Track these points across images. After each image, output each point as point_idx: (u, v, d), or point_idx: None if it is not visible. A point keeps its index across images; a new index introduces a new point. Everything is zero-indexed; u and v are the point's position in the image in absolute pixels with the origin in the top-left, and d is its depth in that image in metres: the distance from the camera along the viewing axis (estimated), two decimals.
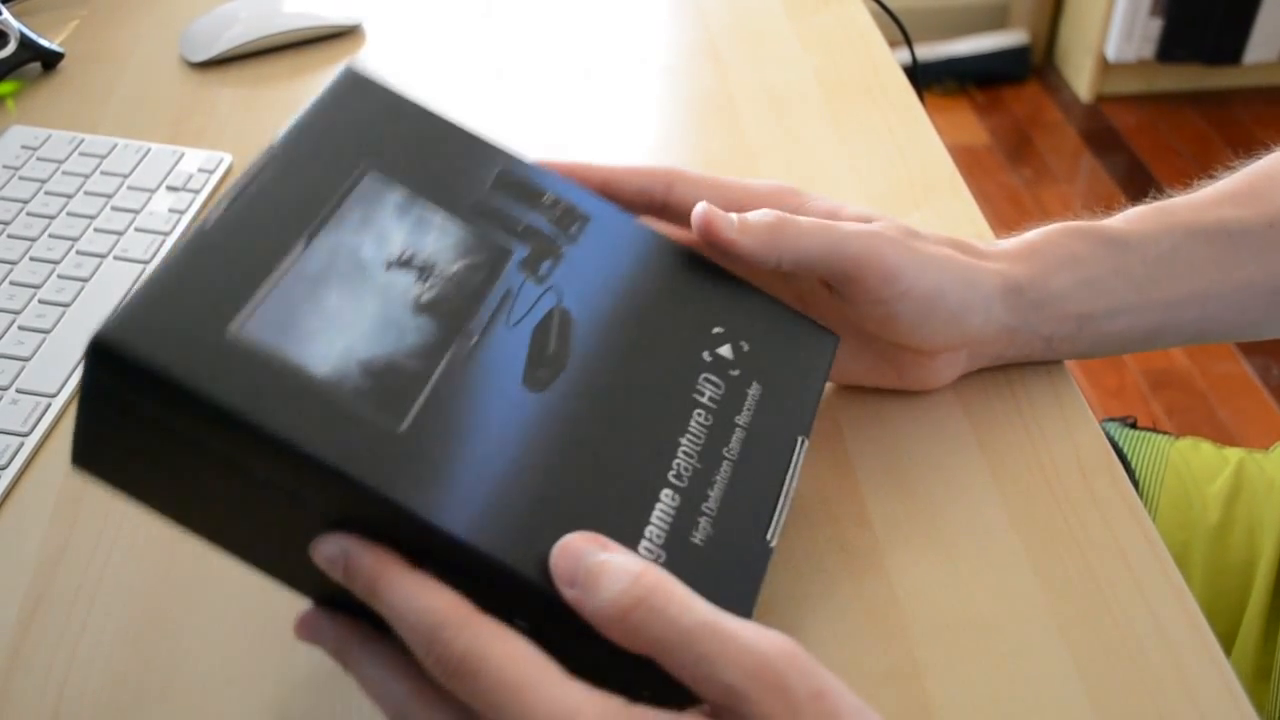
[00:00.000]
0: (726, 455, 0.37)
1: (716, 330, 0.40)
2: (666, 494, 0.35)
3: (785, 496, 0.37)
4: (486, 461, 0.33)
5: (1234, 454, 0.67)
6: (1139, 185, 1.99)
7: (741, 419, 0.38)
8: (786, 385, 0.40)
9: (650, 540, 0.33)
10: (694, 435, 0.37)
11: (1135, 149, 2.08)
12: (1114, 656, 0.39)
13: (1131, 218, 0.47)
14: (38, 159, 0.68)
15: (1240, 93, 2.19)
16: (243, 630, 0.43)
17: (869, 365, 0.47)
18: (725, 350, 0.39)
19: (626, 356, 0.37)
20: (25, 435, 0.51)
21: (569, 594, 0.30)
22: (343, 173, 0.36)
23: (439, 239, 0.36)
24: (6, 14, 0.77)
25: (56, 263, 0.60)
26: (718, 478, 0.36)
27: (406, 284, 0.35)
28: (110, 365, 0.30)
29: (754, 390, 0.39)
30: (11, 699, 0.41)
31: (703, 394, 0.38)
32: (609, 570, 0.30)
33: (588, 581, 0.30)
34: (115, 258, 0.61)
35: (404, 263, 0.35)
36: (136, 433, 0.32)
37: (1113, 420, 0.72)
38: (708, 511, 0.35)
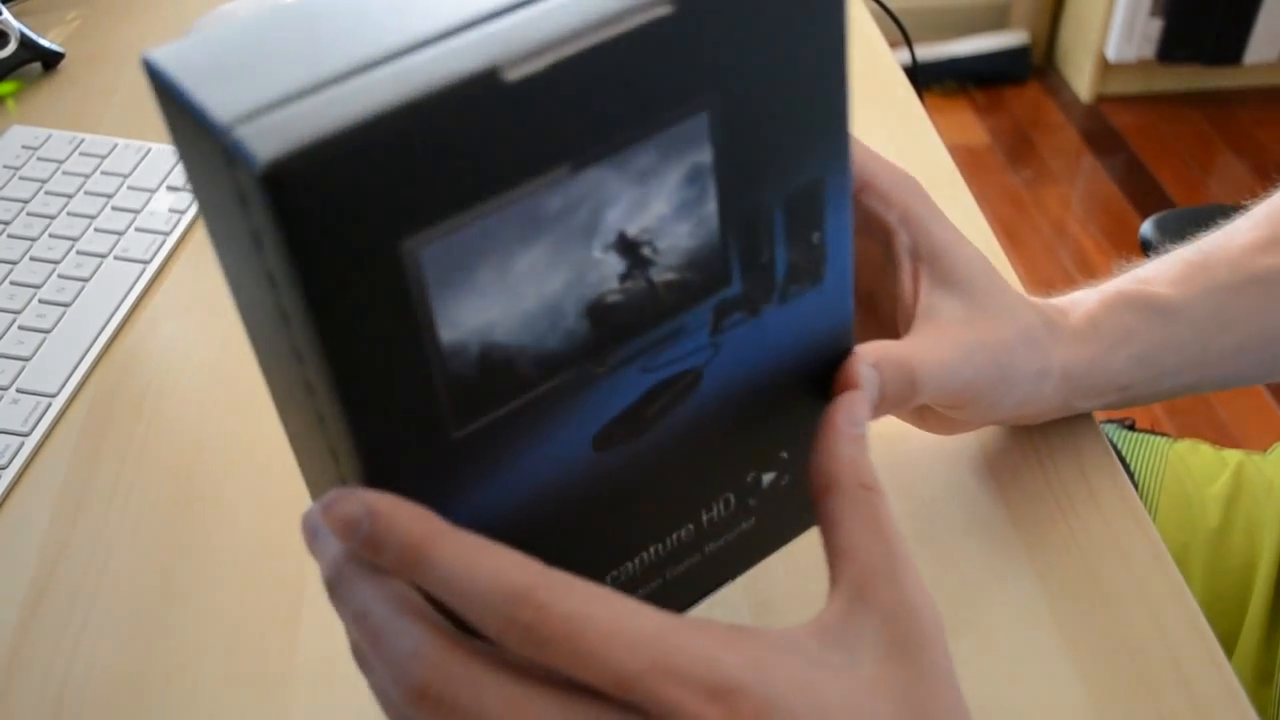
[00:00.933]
0: (666, 575, 0.34)
1: (782, 455, 0.35)
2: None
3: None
4: (491, 505, 0.28)
5: (1233, 456, 0.66)
6: (1139, 185, 1.99)
7: (711, 545, 0.35)
8: (781, 529, 0.36)
9: None
10: (665, 543, 0.33)
11: (1135, 149, 2.08)
12: (1114, 656, 0.39)
13: (1174, 278, 0.46)
14: (38, 159, 0.68)
15: (1240, 93, 2.19)
16: (243, 630, 0.43)
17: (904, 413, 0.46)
18: (768, 478, 0.35)
19: (695, 447, 0.32)
20: (25, 435, 0.51)
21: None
22: (686, 92, 0.26)
23: (686, 235, 0.28)
24: (7, 14, 0.77)
25: (57, 263, 0.60)
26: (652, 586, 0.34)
27: (609, 273, 0.27)
28: (280, 200, 0.22)
29: (746, 525, 0.35)
30: (11, 699, 0.41)
31: (710, 510, 0.34)
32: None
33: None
34: (116, 258, 0.61)
35: (631, 246, 0.27)
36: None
37: (1111, 422, 0.72)
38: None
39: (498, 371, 0.26)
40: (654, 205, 0.27)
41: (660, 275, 0.28)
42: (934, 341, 0.39)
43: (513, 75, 0.22)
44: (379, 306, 0.24)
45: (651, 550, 0.33)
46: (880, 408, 0.37)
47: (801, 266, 0.30)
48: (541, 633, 0.25)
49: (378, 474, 0.26)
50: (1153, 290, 0.45)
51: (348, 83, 0.22)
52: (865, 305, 0.44)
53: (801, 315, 0.31)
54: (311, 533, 0.28)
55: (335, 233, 0.22)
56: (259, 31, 0.24)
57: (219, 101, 0.22)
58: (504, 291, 0.26)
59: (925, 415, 0.45)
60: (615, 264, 0.27)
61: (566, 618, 0.25)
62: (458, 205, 0.23)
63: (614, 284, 0.27)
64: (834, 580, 0.30)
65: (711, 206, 0.28)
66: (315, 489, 0.31)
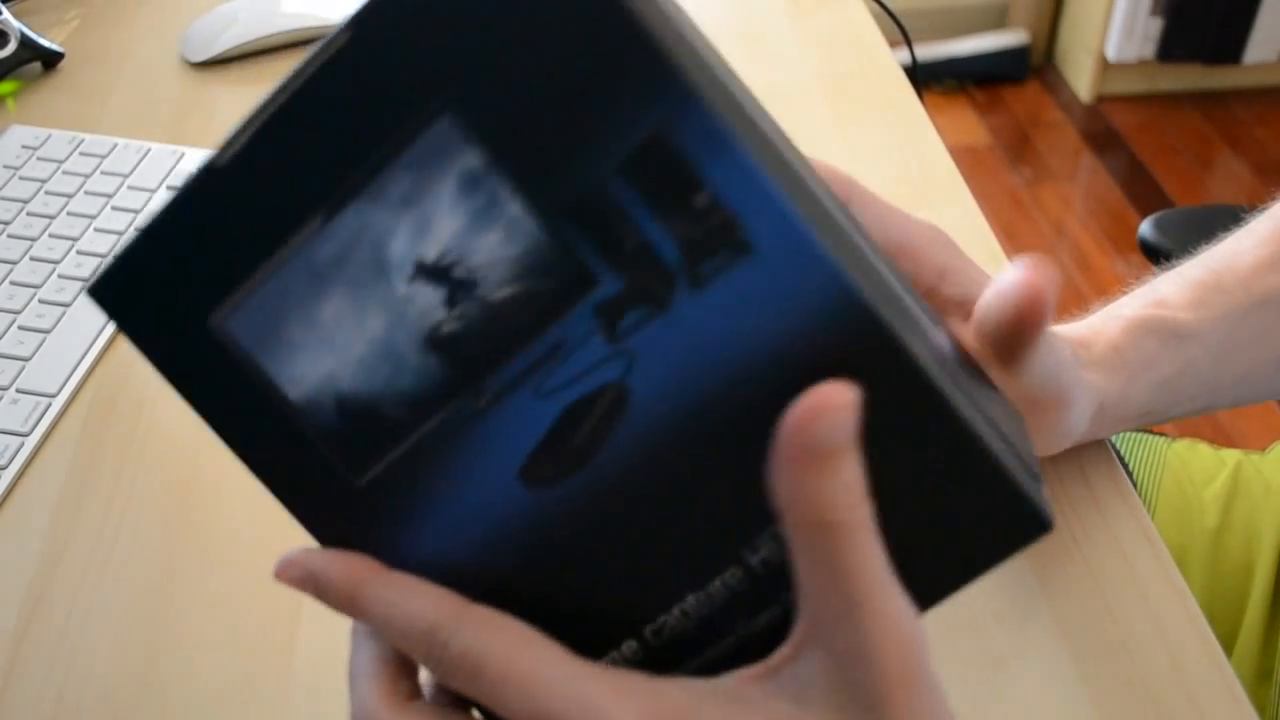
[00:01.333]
0: (740, 630, 0.28)
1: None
2: (628, 644, 0.29)
3: None
4: (430, 549, 0.28)
5: (1231, 456, 0.66)
6: (1139, 185, 1.99)
7: (790, 595, 0.27)
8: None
9: None
10: (706, 596, 0.28)
11: (1135, 149, 2.08)
12: (1114, 656, 0.39)
13: (1190, 302, 0.46)
14: (38, 159, 0.68)
15: (1240, 93, 2.19)
16: (243, 630, 0.43)
17: None
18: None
19: (680, 473, 0.27)
20: (25, 435, 0.51)
21: None
22: (412, 105, 0.24)
23: (498, 245, 0.25)
24: (6, 14, 0.77)
25: (57, 263, 0.60)
26: (707, 652, 0.29)
27: (429, 303, 0.26)
28: (103, 307, 0.28)
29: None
30: (11, 699, 0.41)
31: (758, 551, 0.27)
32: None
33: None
34: None
35: (437, 272, 0.26)
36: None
37: None
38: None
39: (364, 419, 0.27)
40: (439, 225, 0.25)
41: (493, 293, 0.25)
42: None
43: (223, 160, 0.26)
44: (230, 379, 0.27)
45: (693, 599, 0.28)
46: None
47: (702, 239, 0.24)
48: (446, 667, 0.26)
49: (312, 523, 0.28)
50: (1172, 315, 0.45)
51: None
52: None
53: (744, 297, 0.25)
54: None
55: (154, 324, 0.27)
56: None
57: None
58: (323, 343, 0.27)
59: None
60: (431, 293, 0.26)
61: (463, 654, 0.26)
62: (235, 277, 0.26)
63: (442, 313, 0.26)
64: (797, 619, 0.27)
65: (515, 207, 0.25)
66: None
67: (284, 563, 0.29)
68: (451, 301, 0.26)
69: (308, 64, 0.24)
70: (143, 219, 0.29)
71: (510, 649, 0.26)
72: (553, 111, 0.24)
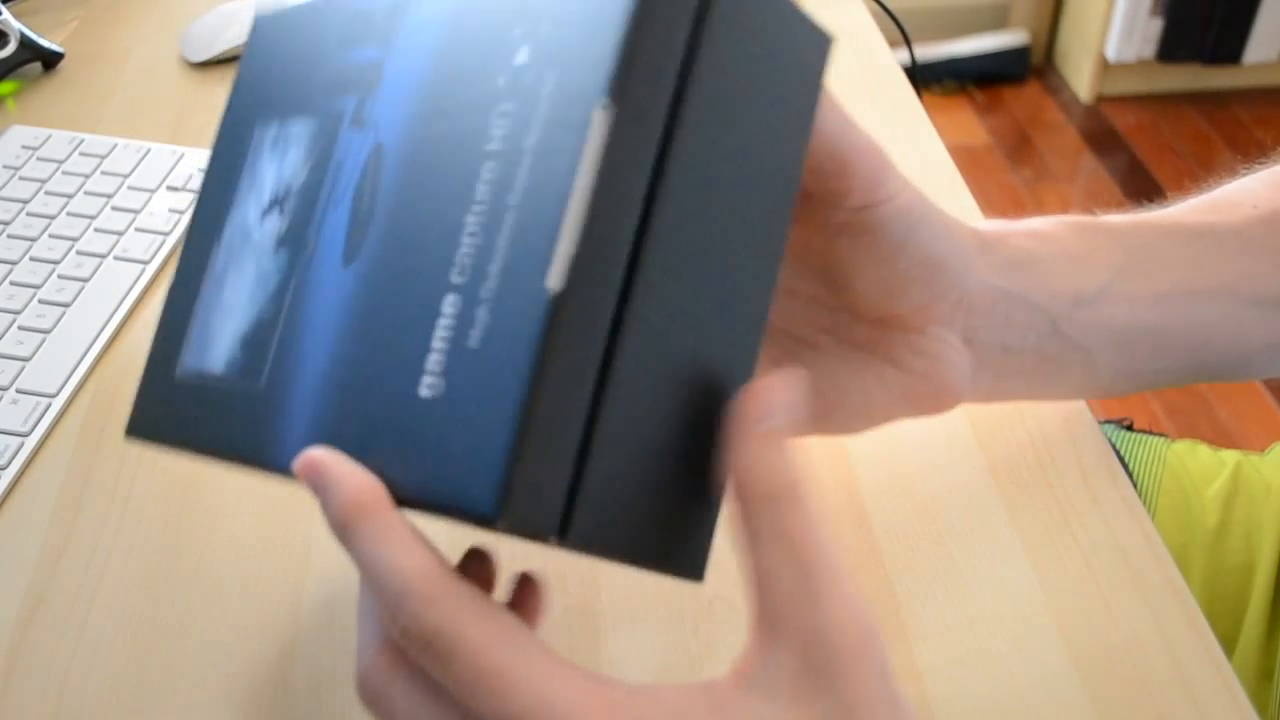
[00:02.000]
0: (511, 204, 0.26)
1: (516, 32, 0.27)
2: (448, 301, 0.26)
3: (582, 211, 0.24)
4: (312, 379, 0.29)
5: (1231, 456, 0.66)
6: (1139, 185, 1.99)
7: (531, 139, 0.26)
8: (587, 46, 0.25)
9: (430, 373, 0.26)
10: (479, 203, 0.26)
11: (1135, 149, 2.08)
12: (1114, 656, 0.39)
13: (1107, 218, 0.47)
14: (38, 159, 0.68)
15: (1240, 93, 2.19)
16: (243, 630, 0.43)
17: (878, 400, 0.42)
18: (523, 53, 0.27)
19: (424, 159, 0.28)
20: (25, 435, 0.51)
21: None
22: (245, 143, 0.34)
23: (295, 152, 0.33)
24: (6, 14, 0.77)
25: (57, 263, 0.60)
26: (500, 242, 0.26)
27: (272, 226, 0.32)
28: (144, 442, 0.35)
29: (549, 84, 0.26)
30: (11, 699, 0.41)
31: (492, 138, 0.27)
32: (379, 585, 0.26)
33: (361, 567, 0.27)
34: (115, 258, 0.61)
35: (272, 205, 0.32)
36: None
37: (1109, 423, 0.72)
38: (486, 296, 0.25)
39: (256, 334, 0.32)
40: (265, 177, 0.34)
41: (300, 179, 0.32)
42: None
43: (172, 278, 0.37)
44: (196, 398, 0.33)
45: (462, 251, 0.26)
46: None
47: (386, 26, 0.32)
48: (414, 640, 0.25)
49: (265, 459, 0.30)
50: (1078, 216, 0.46)
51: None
52: (863, 379, 0.41)
53: (418, 19, 0.31)
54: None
55: (171, 415, 0.34)
56: None
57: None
58: (229, 316, 0.33)
59: (897, 380, 0.41)
60: (272, 221, 0.33)
61: (435, 632, 0.25)
62: (184, 333, 0.35)
63: (279, 223, 0.32)
64: (753, 612, 0.27)
65: (298, 124, 0.33)
66: None
67: (306, 458, 0.27)
68: (282, 211, 0.32)
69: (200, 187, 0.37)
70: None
71: (486, 639, 0.25)
72: (305, 62, 0.35)
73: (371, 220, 0.29)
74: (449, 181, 0.27)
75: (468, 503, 0.23)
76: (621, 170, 0.24)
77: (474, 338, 0.25)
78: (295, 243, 0.31)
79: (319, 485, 0.27)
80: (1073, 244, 0.44)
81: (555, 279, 0.24)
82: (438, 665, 0.25)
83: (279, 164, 0.33)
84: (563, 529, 0.25)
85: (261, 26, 0.36)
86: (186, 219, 0.33)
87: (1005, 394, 0.44)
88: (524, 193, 0.25)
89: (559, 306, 0.24)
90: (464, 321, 0.25)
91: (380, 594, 0.26)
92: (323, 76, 0.32)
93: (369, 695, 0.28)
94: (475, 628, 0.25)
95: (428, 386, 0.26)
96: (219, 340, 0.32)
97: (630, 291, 0.25)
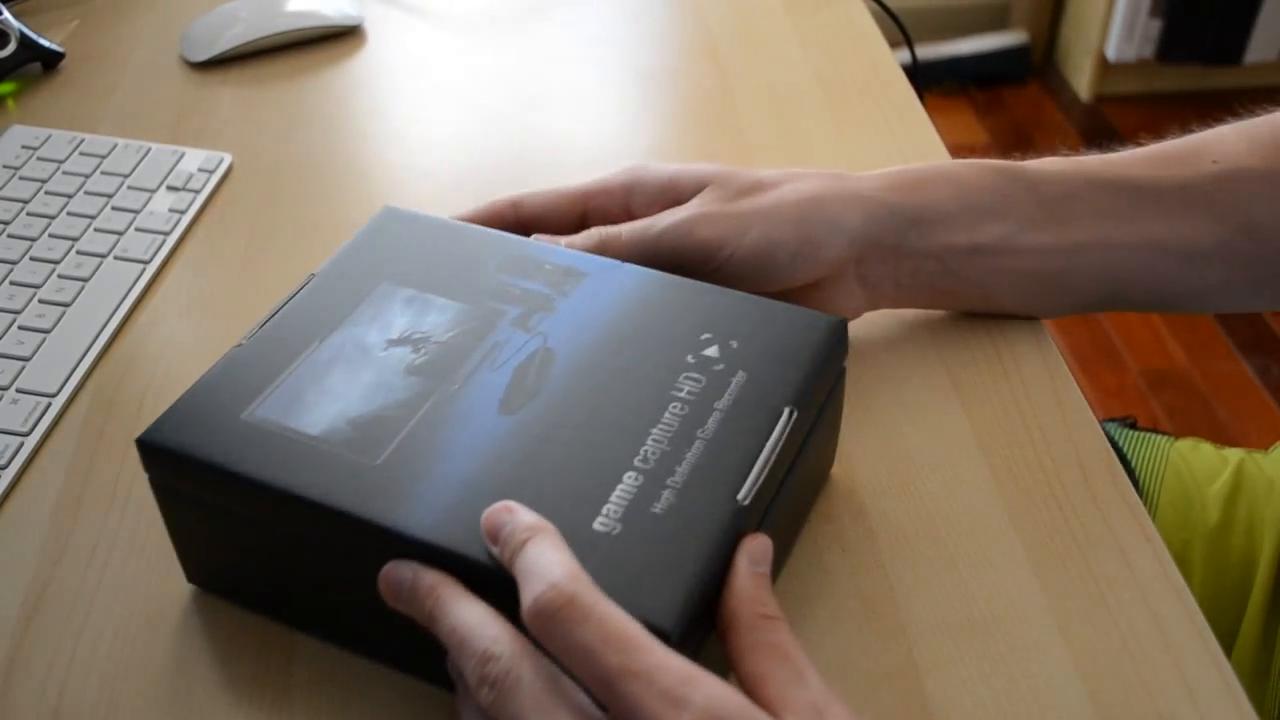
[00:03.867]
0: (700, 435, 0.38)
1: (704, 336, 0.41)
2: (629, 476, 0.36)
3: (765, 461, 0.37)
4: (454, 475, 0.37)
5: (1233, 454, 0.66)
6: None
7: (721, 403, 0.39)
8: (776, 367, 0.40)
9: (606, 516, 0.35)
10: (666, 424, 0.38)
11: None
12: (1114, 656, 0.39)
13: (1042, 162, 0.49)
14: (38, 159, 0.68)
15: (1240, 93, 2.18)
16: (243, 631, 0.43)
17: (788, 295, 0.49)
18: (712, 350, 0.41)
19: (605, 376, 0.40)
20: (25, 435, 0.51)
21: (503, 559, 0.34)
22: (363, 288, 0.44)
23: (437, 317, 0.43)
24: (6, 14, 0.77)
25: (57, 263, 0.60)
26: (688, 455, 0.37)
27: (402, 355, 0.41)
28: (150, 458, 0.40)
29: (739, 378, 0.40)
30: (11, 699, 0.41)
31: (681, 390, 0.39)
32: (532, 573, 0.32)
33: (519, 579, 0.32)
34: (115, 258, 0.61)
35: (402, 340, 0.41)
36: (197, 520, 0.41)
37: (1113, 421, 0.72)
38: (672, 485, 0.36)
39: (372, 424, 0.39)
40: (396, 321, 0.43)
41: (442, 337, 0.42)
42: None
43: (245, 343, 0.42)
44: (256, 446, 0.38)
45: (647, 449, 0.37)
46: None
47: (559, 278, 0.44)
48: (554, 603, 0.31)
49: (342, 499, 0.36)
50: (1005, 161, 0.49)
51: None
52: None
53: (597, 288, 0.44)
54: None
55: (202, 438, 0.39)
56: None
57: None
58: (335, 398, 0.40)
59: (804, 297, 0.48)
60: (402, 350, 0.41)
61: (574, 598, 0.31)
62: (260, 389, 0.40)
63: (412, 356, 0.41)
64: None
65: (442, 300, 0.44)
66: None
67: (504, 504, 0.35)
68: (416, 349, 0.41)
69: (298, 289, 0.45)
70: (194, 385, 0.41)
71: (613, 609, 0.31)
72: (444, 267, 0.45)
73: (537, 395, 0.39)
74: (633, 402, 0.39)
75: (646, 613, 0.32)
76: (790, 445, 0.39)
77: (658, 507, 0.35)
78: (437, 377, 0.40)
79: (509, 517, 0.34)
80: (985, 195, 0.47)
81: (745, 495, 0.36)
82: (571, 628, 0.30)
83: (413, 317, 0.43)
84: (680, 639, 0.33)
85: (390, 215, 0.48)
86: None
87: (909, 306, 0.51)
88: (716, 433, 0.38)
89: (744, 512, 0.36)
90: (647, 494, 0.36)
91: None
92: (480, 283, 0.44)
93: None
94: (605, 600, 0.31)
95: (602, 524, 0.35)
96: (317, 412, 0.39)
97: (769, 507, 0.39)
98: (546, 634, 0.30)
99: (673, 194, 0.49)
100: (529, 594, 0.31)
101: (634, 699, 0.29)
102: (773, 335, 0.41)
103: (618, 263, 0.45)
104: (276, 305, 0.43)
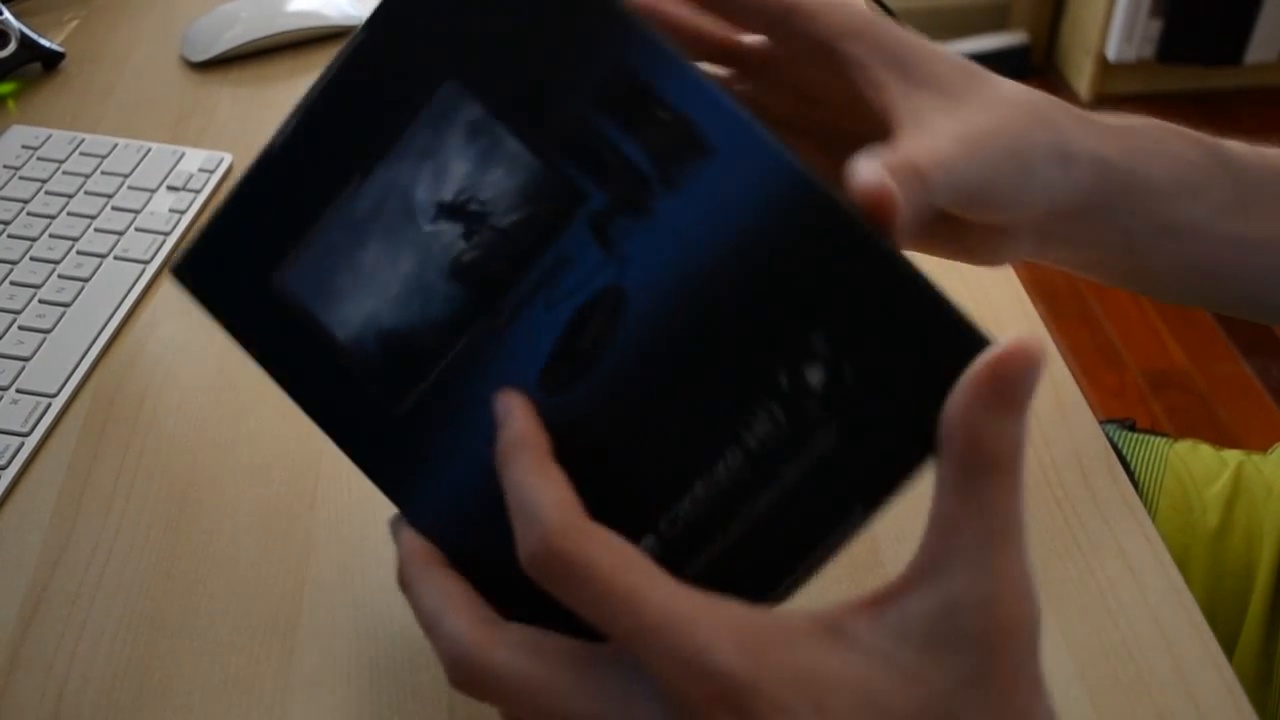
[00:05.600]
0: (744, 510, 0.29)
1: (817, 340, 0.29)
2: (647, 539, 0.30)
3: (816, 560, 0.29)
4: (462, 476, 0.31)
5: (1233, 456, 0.66)
6: None
7: (790, 471, 0.29)
8: (879, 440, 0.29)
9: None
10: (712, 481, 0.29)
11: None
12: (1114, 656, 0.39)
13: (1239, 145, 0.43)
14: (38, 159, 0.68)
15: (1240, 93, 2.19)
16: (243, 630, 0.43)
17: (935, 235, 0.40)
18: (815, 375, 0.29)
19: (676, 364, 0.29)
20: (25, 435, 0.51)
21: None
22: (419, 82, 0.31)
23: (503, 178, 0.30)
24: (7, 14, 0.77)
25: (57, 263, 0.60)
26: (720, 536, 0.30)
27: (451, 238, 0.31)
28: (183, 284, 0.34)
29: (827, 439, 0.29)
30: (11, 699, 0.41)
31: (750, 425, 0.29)
32: (519, 511, 0.28)
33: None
34: (116, 258, 0.61)
35: (455, 209, 0.31)
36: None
37: (1111, 422, 0.72)
38: (692, 571, 0.30)
39: (402, 347, 0.31)
40: (453, 168, 0.31)
41: (502, 220, 0.30)
42: (930, 136, 0.33)
43: (275, 146, 0.32)
44: (289, 331, 0.32)
45: (701, 485, 0.30)
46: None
47: (668, 146, 0.29)
48: (552, 570, 0.26)
49: (361, 457, 0.32)
50: (1204, 135, 0.42)
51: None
52: (840, 146, 0.38)
53: (714, 192, 0.29)
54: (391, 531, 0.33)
55: (227, 296, 0.33)
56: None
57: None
58: (365, 287, 0.32)
59: (960, 237, 0.39)
60: (451, 229, 0.31)
61: (572, 561, 0.26)
62: (290, 239, 0.32)
63: (462, 245, 0.31)
64: (916, 556, 0.27)
65: (513, 144, 0.30)
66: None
67: (511, 395, 0.30)
68: (469, 234, 0.31)
69: (335, 59, 0.31)
70: (215, 206, 0.33)
71: (617, 564, 0.26)
72: (534, 64, 0.30)
73: (593, 366, 0.30)
74: (683, 434, 0.30)
75: None
76: (851, 536, 0.30)
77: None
78: (482, 294, 0.31)
79: (503, 418, 0.29)
80: (1192, 172, 0.40)
81: (778, 592, 0.30)
82: (571, 587, 0.26)
83: (475, 167, 0.31)
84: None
85: None
86: (309, 96, 0.32)
87: (1056, 265, 0.44)
88: (766, 511, 0.29)
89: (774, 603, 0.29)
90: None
91: (521, 521, 0.27)
92: (568, 119, 0.30)
93: (469, 675, 0.28)
94: (609, 554, 0.26)
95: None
96: (347, 308, 0.32)
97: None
98: (546, 586, 0.27)
99: (908, 73, 0.36)
100: (519, 538, 0.27)
101: (651, 660, 0.26)
102: (907, 369, 0.28)
103: (767, 142, 0.29)
104: (316, 85, 0.32)
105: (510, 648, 0.28)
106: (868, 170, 0.30)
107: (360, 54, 0.31)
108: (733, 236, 0.29)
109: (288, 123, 0.32)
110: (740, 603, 0.27)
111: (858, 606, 0.27)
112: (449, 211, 0.31)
